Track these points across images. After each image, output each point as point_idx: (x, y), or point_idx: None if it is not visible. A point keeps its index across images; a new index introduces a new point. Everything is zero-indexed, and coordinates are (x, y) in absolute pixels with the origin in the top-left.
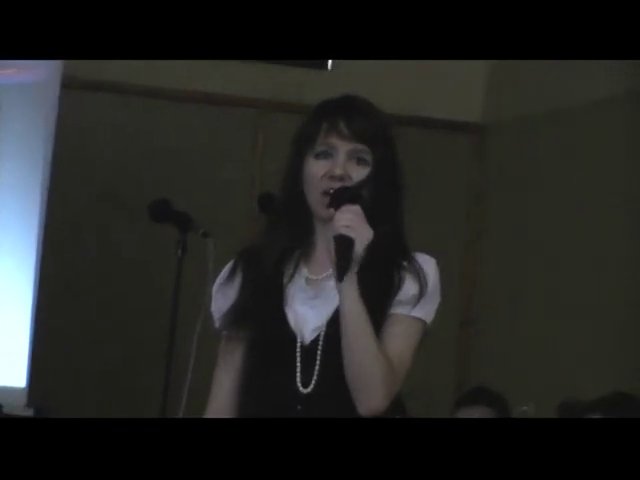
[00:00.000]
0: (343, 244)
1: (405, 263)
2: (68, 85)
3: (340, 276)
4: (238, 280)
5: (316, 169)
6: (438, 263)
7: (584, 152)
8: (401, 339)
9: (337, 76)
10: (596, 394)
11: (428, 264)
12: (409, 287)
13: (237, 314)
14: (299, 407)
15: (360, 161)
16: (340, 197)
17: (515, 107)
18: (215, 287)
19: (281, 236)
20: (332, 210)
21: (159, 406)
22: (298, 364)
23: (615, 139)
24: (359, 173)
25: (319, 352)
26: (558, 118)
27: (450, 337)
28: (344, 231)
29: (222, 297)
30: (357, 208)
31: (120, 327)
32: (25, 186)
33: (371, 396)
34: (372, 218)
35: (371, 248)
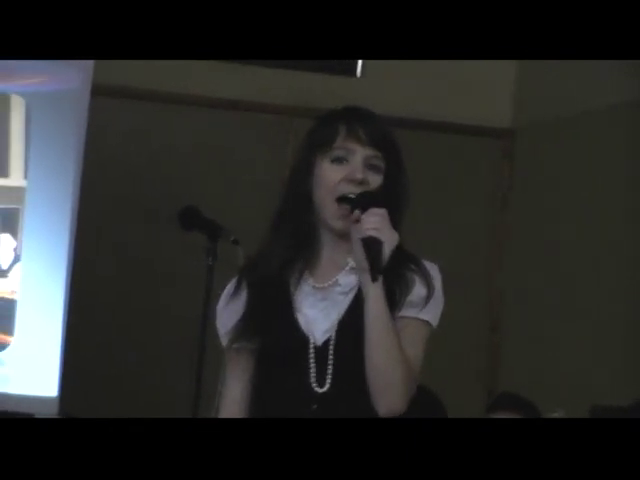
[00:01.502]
0: (373, 246)
1: (414, 266)
2: (98, 92)
3: (375, 277)
4: (244, 293)
5: (332, 173)
6: (440, 269)
7: (615, 155)
8: (413, 341)
9: (366, 82)
10: (626, 399)
11: (433, 268)
12: (418, 289)
13: (248, 325)
14: (315, 406)
15: (372, 167)
16: (365, 201)
17: (544, 111)
18: (221, 304)
19: (286, 244)
20: (344, 222)
21: (190, 414)
22: (312, 365)
23: None
24: (374, 179)
25: (331, 353)
26: (588, 121)
27: (480, 343)
28: (373, 233)
29: (228, 312)
30: (384, 211)
31: (151, 336)
32: (55, 194)
33: (392, 397)
34: None
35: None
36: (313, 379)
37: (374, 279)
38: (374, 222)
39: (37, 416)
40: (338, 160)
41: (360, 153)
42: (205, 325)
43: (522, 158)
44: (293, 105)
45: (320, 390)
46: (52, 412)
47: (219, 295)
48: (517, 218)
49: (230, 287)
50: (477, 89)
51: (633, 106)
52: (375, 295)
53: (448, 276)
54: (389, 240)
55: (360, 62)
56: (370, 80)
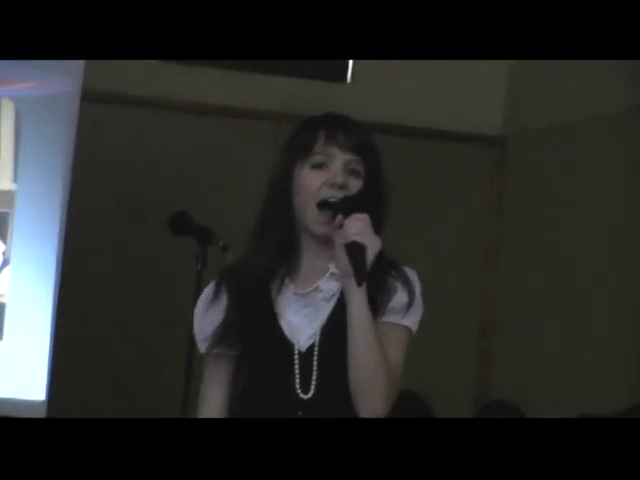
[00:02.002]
0: (356, 251)
1: (394, 272)
2: (87, 98)
3: (360, 282)
4: (224, 299)
5: (312, 179)
6: (419, 275)
7: (606, 163)
8: (395, 347)
9: (356, 89)
10: (617, 405)
11: (412, 275)
12: (399, 296)
13: (229, 331)
14: (300, 412)
15: (352, 172)
16: (347, 206)
17: (536, 119)
18: (199, 309)
19: (267, 251)
20: (326, 227)
21: (179, 417)
22: (297, 371)
23: (635, 149)
24: (354, 183)
25: (315, 359)
26: (580, 128)
27: (470, 348)
28: (357, 238)
29: (207, 318)
30: (366, 217)
31: (140, 340)
32: (45, 198)
33: (375, 400)
34: None
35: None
36: (298, 385)
37: (359, 284)
38: (357, 227)
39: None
40: (318, 166)
41: (340, 158)
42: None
43: (514, 165)
44: (284, 111)
45: (305, 396)
46: (40, 416)
47: None
48: (509, 225)
49: (209, 292)
50: (468, 96)
51: (627, 112)
52: (359, 300)
53: (440, 282)
54: (372, 245)
55: (350, 68)
56: (360, 86)
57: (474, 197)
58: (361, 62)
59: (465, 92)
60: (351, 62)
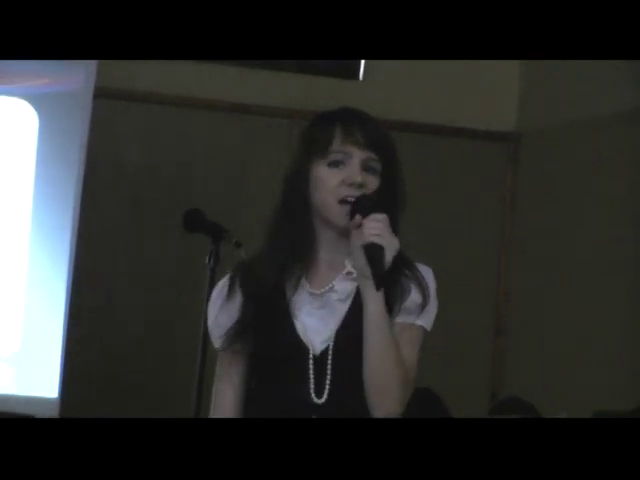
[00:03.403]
0: (375, 252)
1: (408, 272)
2: (101, 95)
3: (379, 284)
4: (238, 296)
5: (330, 177)
6: (434, 273)
7: (618, 161)
8: (410, 347)
9: (369, 86)
10: (629, 403)
11: (427, 274)
12: (414, 296)
13: (244, 330)
14: (313, 417)
15: (369, 170)
16: (364, 205)
17: (549, 116)
18: (214, 305)
19: (283, 247)
20: (349, 219)
21: (192, 416)
22: (311, 375)
23: None
24: (371, 181)
25: (329, 362)
26: (593, 126)
27: (485, 346)
28: (375, 240)
29: (225, 314)
30: (385, 217)
31: (152, 337)
32: (59, 194)
33: (389, 400)
34: None
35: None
36: (312, 389)
37: (378, 288)
38: (375, 228)
39: (37, 417)
40: (335, 164)
41: (358, 156)
42: (207, 327)
43: (527, 162)
44: (296, 108)
45: (319, 401)
46: (53, 414)
47: None
48: (522, 222)
49: (223, 287)
50: (482, 93)
51: (638, 110)
52: (376, 301)
53: (454, 280)
54: (390, 246)
55: (362, 65)
56: (373, 83)
57: (487, 194)
58: (373, 60)
59: (478, 89)
60: (363, 59)
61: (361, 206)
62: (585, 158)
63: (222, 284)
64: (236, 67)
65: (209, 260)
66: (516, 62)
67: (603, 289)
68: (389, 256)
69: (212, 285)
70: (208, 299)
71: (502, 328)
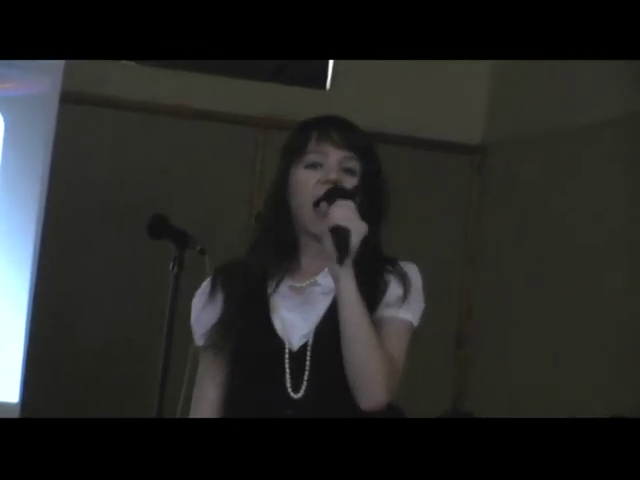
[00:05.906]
0: (340, 235)
1: (389, 267)
2: (67, 99)
3: (341, 260)
4: (220, 296)
5: (307, 178)
6: (420, 270)
7: (583, 173)
8: (393, 339)
9: (336, 95)
10: (596, 411)
11: (410, 268)
12: (394, 289)
13: (225, 329)
14: (289, 412)
15: (348, 171)
16: (334, 194)
17: (515, 129)
18: (199, 303)
19: (266, 253)
20: (323, 226)
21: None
22: (287, 370)
23: (614, 159)
24: (349, 182)
25: (308, 358)
26: (557, 139)
27: (447, 354)
28: (340, 223)
29: (207, 313)
30: (351, 203)
31: (115, 343)
32: (24, 197)
33: (373, 389)
34: None
35: (359, 252)
36: (288, 384)
37: (340, 262)
38: (340, 212)
39: None
40: (312, 165)
41: (334, 155)
42: (170, 333)
43: (494, 175)
44: (263, 116)
45: (295, 396)
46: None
47: (185, 305)
48: (488, 233)
49: (206, 287)
50: (449, 104)
51: (608, 123)
52: (346, 281)
53: None
54: (356, 229)
55: (330, 74)
56: (340, 93)
57: (453, 205)
58: (341, 68)
59: (445, 101)
60: (330, 68)
61: (332, 194)
62: (550, 171)
63: (204, 285)
64: (204, 74)
65: (173, 267)
66: (484, 74)
67: (569, 296)
68: (356, 239)
69: (176, 291)
70: (172, 305)
71: (465, 339)
